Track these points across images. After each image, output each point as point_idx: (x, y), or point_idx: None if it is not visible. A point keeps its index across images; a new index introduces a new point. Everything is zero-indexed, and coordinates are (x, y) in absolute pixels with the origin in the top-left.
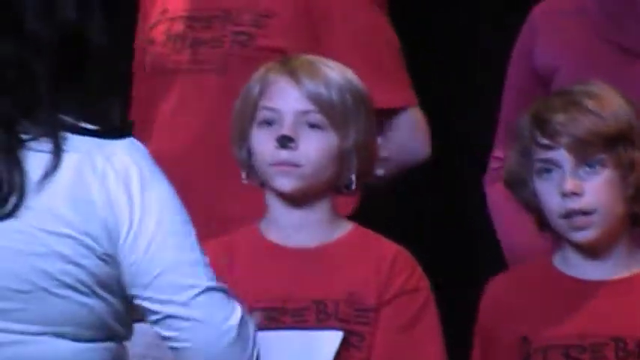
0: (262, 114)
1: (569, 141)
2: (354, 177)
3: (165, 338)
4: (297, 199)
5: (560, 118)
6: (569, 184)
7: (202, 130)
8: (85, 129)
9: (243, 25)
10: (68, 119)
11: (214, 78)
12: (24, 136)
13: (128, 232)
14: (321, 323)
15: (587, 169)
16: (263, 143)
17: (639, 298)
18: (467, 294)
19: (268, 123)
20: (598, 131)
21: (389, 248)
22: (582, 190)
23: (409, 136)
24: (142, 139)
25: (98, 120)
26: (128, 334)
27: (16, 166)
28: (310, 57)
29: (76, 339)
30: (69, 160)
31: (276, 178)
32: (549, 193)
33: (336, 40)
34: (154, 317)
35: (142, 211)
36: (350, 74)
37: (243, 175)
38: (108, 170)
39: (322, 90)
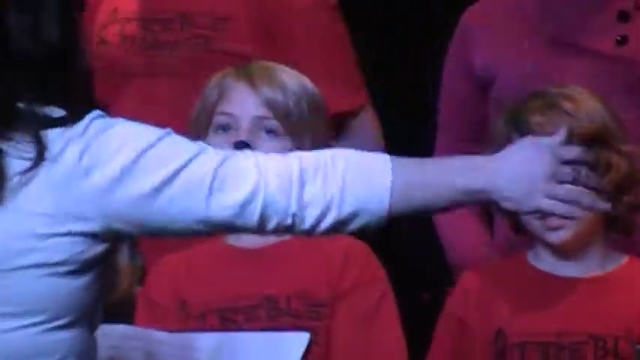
0: (218, 119)
1: None
2: None
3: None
4: None
5: (537, 119)
6: None
7: None
8: (57, 119)
9: (200, 27)
10: (41, 112)
11: (167, 82)
12: (4, 146)
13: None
14: (273, 320)
15: None
16: (219, 148)
17: (616, 296)
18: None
19: (224, 128)
20: (575, 133)
21: (340, 242)
22: None
23: (368, 135)
24: None
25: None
26: (98, 323)
27: None
28: (267, 63)
29: (48, 326)
30: (48, 157)
31: None
32: None
33: (294, 45)
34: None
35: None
36: (306, 81)
37: None
38: (78, 148)
39: (279, 96)
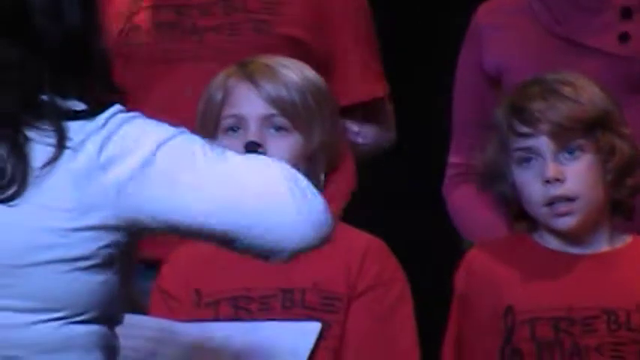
0: (227, 122)
1: (549, 127)
2: (323, 176)
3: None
4: None
5: (538, 105)
6: (551, 170)
7: None
8: (79, 112)
9: (258, 12)
10: (64, 104)
11: (215, 66)
12: (28, 129)
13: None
14: (287, 311)
15: (567, 155)
16: (231, 148)
17: (626, 270)
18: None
19: (233, 129)
20: (577, 116)
21: (360, 239)
22: (564, 175)
23: (387, 122)
24: None
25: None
26: (120, 319)
27: (19, 152)
28: (268, 59)
29: (70, 320)
30: (70, 149)
31: None
32: (530, 182)
33: (344, 36)
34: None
35: (140, 156)
36: (308, 72)
37: None
38: (101, 139)
39: (283, 93)
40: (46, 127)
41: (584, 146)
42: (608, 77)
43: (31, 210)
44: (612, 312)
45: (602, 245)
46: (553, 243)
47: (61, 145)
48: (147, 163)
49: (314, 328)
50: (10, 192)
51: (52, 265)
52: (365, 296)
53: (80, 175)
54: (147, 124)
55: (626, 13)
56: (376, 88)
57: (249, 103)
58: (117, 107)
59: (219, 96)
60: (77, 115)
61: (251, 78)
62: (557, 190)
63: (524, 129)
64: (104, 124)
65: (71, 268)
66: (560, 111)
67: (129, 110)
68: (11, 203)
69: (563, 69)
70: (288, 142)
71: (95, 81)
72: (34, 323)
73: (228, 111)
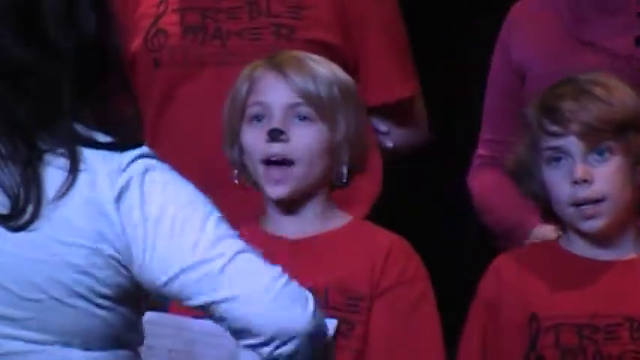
0: (251, 110)
1: (579, 128)
2: (345, 170)
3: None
4: (289, 203)
5: (569, 105)
6: (580, 171)
7: None
8: (100, 143)
9: (281, 16)
10: (83, 131)
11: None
12: (42, 147)
13: (142, 240)
14: None
15: (597, 156)
16: (254, 139)
17: None
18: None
19: (258, 119)
20: (607, 118)
21: (384, 238)
22: (592, 177)
23: (417, 122)
24: (158, 136)
25: (113, 131)
26: (140, 340)
27: (33, 179)
28: (296, 52)
29: (87, 348)
30: (82, 175)
31: (266, 184)
32: (558, 182)
33: (370, 37)
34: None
35: (156, 214)
36: (336, 68)
37: (235, 175)
38: (120, 182)
39: (310, 84)
40: (61, 148)
41: (613, 148)
42: (624, 80)
43: (44, 243)
44: (635, 320)
45: (629, 250)
46: (580, 248)
47: (74, 170)
48: (157, 222)
49: (330, 324)
50: (22, 221)
51: (64, 301)
52: (387, 294)
53: (98, 216)
54: (168, 181)
55: None
56: (403, 89)
57: (275, 91)
58: (142, 149)
59: (244, 87)
60: (97, 145)
61: (278, 68)
62: (585, 192)
63: (555, 128)
64: (127, 167)
65: (88, 304)
66: (590, 112)
67: (152, 145)
68: (24, 233)
69: (579, 69)
70: (312, 132)
71: (111, 85)
72: (45, 352)
73: (253, 99)
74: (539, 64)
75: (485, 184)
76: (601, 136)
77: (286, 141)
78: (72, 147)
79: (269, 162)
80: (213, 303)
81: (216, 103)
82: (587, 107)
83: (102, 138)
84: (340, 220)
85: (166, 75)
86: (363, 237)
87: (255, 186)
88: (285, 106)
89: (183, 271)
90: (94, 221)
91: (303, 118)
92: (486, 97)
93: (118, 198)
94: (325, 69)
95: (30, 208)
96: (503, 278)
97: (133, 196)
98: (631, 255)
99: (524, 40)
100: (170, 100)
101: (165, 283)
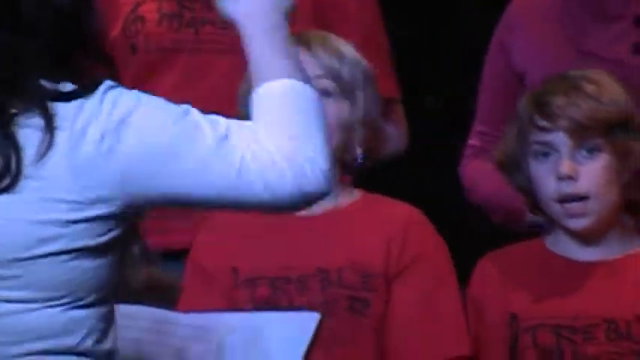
0: None
1: (568, 124)
2: (360, 151)
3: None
4: None
5: (560, 101)
6: (566, 167)
7: (216, 108)
8: (67, 93)
9: None
10: (50, 86)
11: (232, 58)
12: (13, 111)
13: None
14: (325, 290)
15: (585, 153)
16: None
17: (630, 279)
18: None
19: None
20: (597, 116)
21: (400, 209)
22: (578, 174)
23: (399, 126)
24: None
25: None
26: (116, 293)
27: (10, 141)
28: (324, 32)
29: (73, 306)
30: (62, 131)
31: None
32: (545, 177)
33: (350, 38)
34: None
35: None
36: (359, 56)
37: None
38: (96, 127)
39: (334, 60)
40: (36, 110)
41: (601, 146)
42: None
43: (30, 202)
44: (613, 321)
45: (614, 250)
46: (565, 249)
47: (50, 129)
48: (151, 145)
49: (313, 318)
50: (4, 184)
51: (53, 257)
52: (409, 271)
53: (83, 166)
54: (147, 99)
55: None
56: (382, 90)
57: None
58: (107, 83)
59: None
60: (67, 96)
61: (306, 44)
62: (570, 188)
63: (544, 123)
64: (100, 107)
65: (72, 257)
66: (580, 109)
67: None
68: (8, 195)
69: None
70: (334, 107)
71: (87, 58)
72: (37, 310)
73: None
74: (539, 73)
75: (477, 171)
76: (589, 134)
77: None
78: (43, 104)
79: None
80: None
81: (190, 90)
82: (577, 104)
83: (67, 87)
84: (349, 196)
85: (142, 61)
86: (378, 211)
87: None
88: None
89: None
90: (76, 175)
91: (326, 92)
92: (483, 91)
93: (102, 140)
94: (349, 50)
95: (11, 172)
96: (487, 277)
97: (114, 131)
98: (616, 255)
99: (525, 44)
100: (145, 85)
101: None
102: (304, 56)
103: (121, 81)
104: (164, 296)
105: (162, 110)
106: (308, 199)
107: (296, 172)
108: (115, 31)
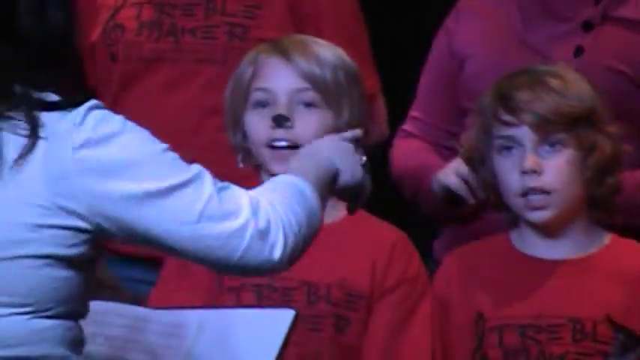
0: (255, 95)
1: (531, 119)
2: None
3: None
4: None
5: (524, 95)
6: (529, 162)
7: (196, 119)
8: (51, 102)
9: (235, 15)
10: (36, 95)
11: (212, 68)
12: (1, 124)
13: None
14: (312, 305)
15: (548, 148)
16: (258, 125)
17: (596, 278)
18: None
19: (262, 105)
20: (561, 111)
21: (386, 233)
22: (542, 168)
23: (381, 119)
24: None
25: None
26: (85, 313)
27: None
28: (301, 36)
29: (36, 315)
30: (43, 139)
31: (272, 163)
32: (508, 171)
33: (325, 35)
34: None
35: (112, 159)
36: (341, 52)
37: (239, 159)
38: (76, 138)
39: (315, 68)
40: (19, 117)
41: (565, 141)
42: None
43: (7, 204)
44: (578, 321)
45: (579, 248)
46: (530, 246)
47: (34, 135)
48: (125, 169)
49: (287, 315)
50: None
51: (22, 260)
52: (391, 294)
53: (56, 175)
54: (131, 128)
55: (587, 27)
56: (368, 84)
57: (280, 77)
58: (94, 102)
59: (249, 71)
60: (51, 106)
61: (283, 52)
62: (533, 182)
63: (508, 117)
64: (82, 122)
65: (41, 264)
66: (545, 103)
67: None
68: None
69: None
70: (317, 118)
71: (70, 76)
72: (3, 316)
73: (257, 84)
74: (479, 59)
75: (399, 149)
76: (554, 129)
77: (291, 127)
78: (28, 111)
79: (274, 147)
80: None
81: (170, 99)
82: (541, 98)
83: (52, 97)
84: (341, 211)
85: (122, 70)
86: (365, 231)
87: (259, 170)
88: (290, 91)
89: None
90: (52, 181)
91: (308, 104)
92: (423, 77)
93: (75, 153)
94: (330, 53)
95: None
96: (452, 276)
97: (92, 150)
98: (581, 253)
99: (469, 29)
100: (125, 94)
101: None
102: (282, 66)
103: (102, 88)
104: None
105: (145, 142)
106: (259, 270)
107: (264, 242)
108: (94, 37)
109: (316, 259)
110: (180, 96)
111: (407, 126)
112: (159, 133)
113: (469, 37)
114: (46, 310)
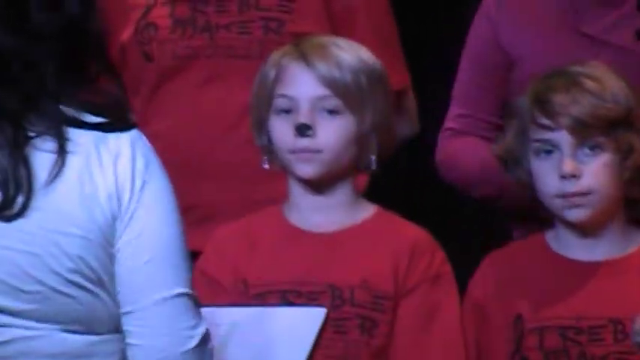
0: (279, 102)
1: (569, 122)
2: (374, 158)
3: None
4: (317, 184)
5: (561, 98)
6: (568, 166)
7: (232, 115)
8: (89, 123)
9: (270, 10)
10: (71, 112)
11: (248, 63)
12: (30, 133)
13: (122, 224)
14: (337, 308)
15: (587, 151)
16: (281, 131)
17: (635, 278)
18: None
19: (285, 111)
20: (599, 113)
21: (409, 232)
22: (580, 172)
23: (412, 113)
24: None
25: (102, 112)
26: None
27: (22, 164)
28: (322, 39)
29: (87, 333)
30: (74, 159)
31: (297, 165)
32: (546, 174)
33: (357, 29)
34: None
35: (139, 205)
36: (363, 53)
37: (265, 160)
38: (112, 165)
39: (336, 73)
40: (49, 131)
41: (603, 144)
42: (623, 73)
43: (41, 235)
44: (619, 321)
45: (616, 249)
46: (567, 248)
47: (63, 151)
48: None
49: (319, 313)
50: (14, 210)
51: (66, 289)
52: (413, 294)
53: (88, 197)
54: (158, 187)
55: None
56: (392, 81)
57: (302, 84)
58: (133, 133)
59: (272, 74)
60: (85, 125)
61: (304, 57)
62: (572, 186)
63: (545, 121)
64: (132, 154)
65: (86, 292)
66: (582, 106)
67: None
68: (19, 225)
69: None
70: (339, 125)
71: (94, 66)
72: (48, 337)
73: (280, 90)
74: (537, 58)
75: (456, 149)
76: (591, 132)
77: (313, 136)
78: (59, 128)
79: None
80: None
81: (206, 96)
82: (578, 101)
83: (90, 118)
84: (364, 211)
85: (157, 68)
86: (387, 232)
87: (284, 171)
88: (312, 99)
89: None
90: (86, 208)
91: (331, 111)
92: (462, 70)
93: (110, 185)
94: (351, 55)
95: (21, 196)
96: (489, 279)
97: (124, 188)
98: (618, 254)
99: (516, 22)
100: (160, 92)
101: None
102: (303, 73)
103: (137, 87)
104: None
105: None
106: None
107: None
108: (126, 37)
109: (339, 262)
110: (216, 92)
111: (452, 124)
112: (195, 130)
113: (518, 31)
114: (96, 330)
